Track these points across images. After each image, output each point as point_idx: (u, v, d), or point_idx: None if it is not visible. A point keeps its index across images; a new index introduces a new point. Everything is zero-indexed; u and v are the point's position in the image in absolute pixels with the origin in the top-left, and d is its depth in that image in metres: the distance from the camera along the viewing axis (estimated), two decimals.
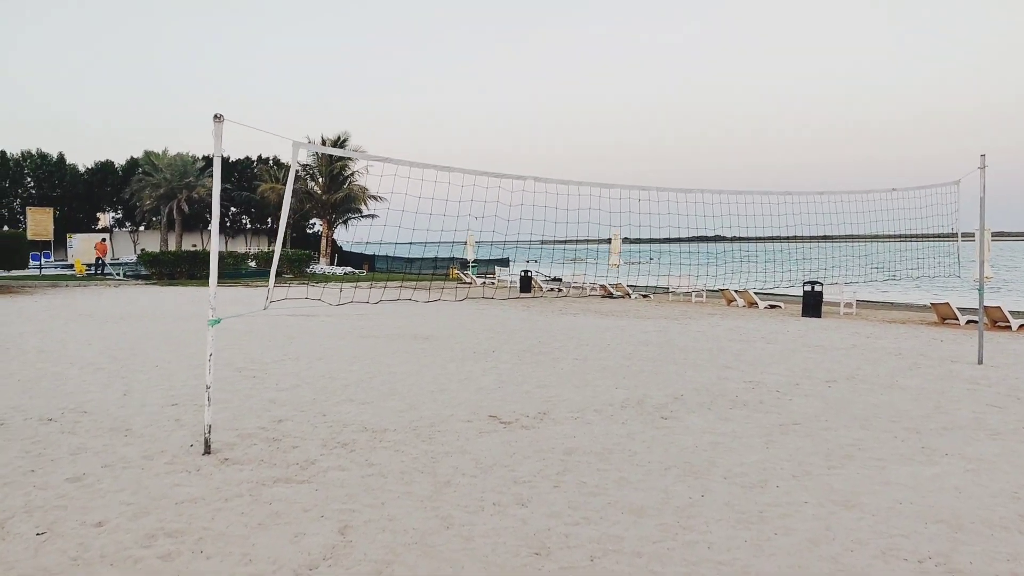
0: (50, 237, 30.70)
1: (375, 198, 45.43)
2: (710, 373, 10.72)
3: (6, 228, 41.15)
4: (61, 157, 51.40)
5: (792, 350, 13.40)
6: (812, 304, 20.13)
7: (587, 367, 11.06)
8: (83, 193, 51.29)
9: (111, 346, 12.16)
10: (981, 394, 9.39)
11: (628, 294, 27.44)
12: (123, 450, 6.01)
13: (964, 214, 12.40)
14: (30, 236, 30.63)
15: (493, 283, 35.68)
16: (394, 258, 48.04)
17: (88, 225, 51.83)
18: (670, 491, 5.44)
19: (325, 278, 35.29)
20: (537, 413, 7.85)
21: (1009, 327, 17.40)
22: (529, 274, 31.19)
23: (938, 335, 15.99)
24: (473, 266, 41.15)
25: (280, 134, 6.03)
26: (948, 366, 11.65)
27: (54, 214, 39.31)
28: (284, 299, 7.25)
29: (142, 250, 38.06)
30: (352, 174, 46.92)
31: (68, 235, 43.38)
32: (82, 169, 51.89)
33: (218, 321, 5.99)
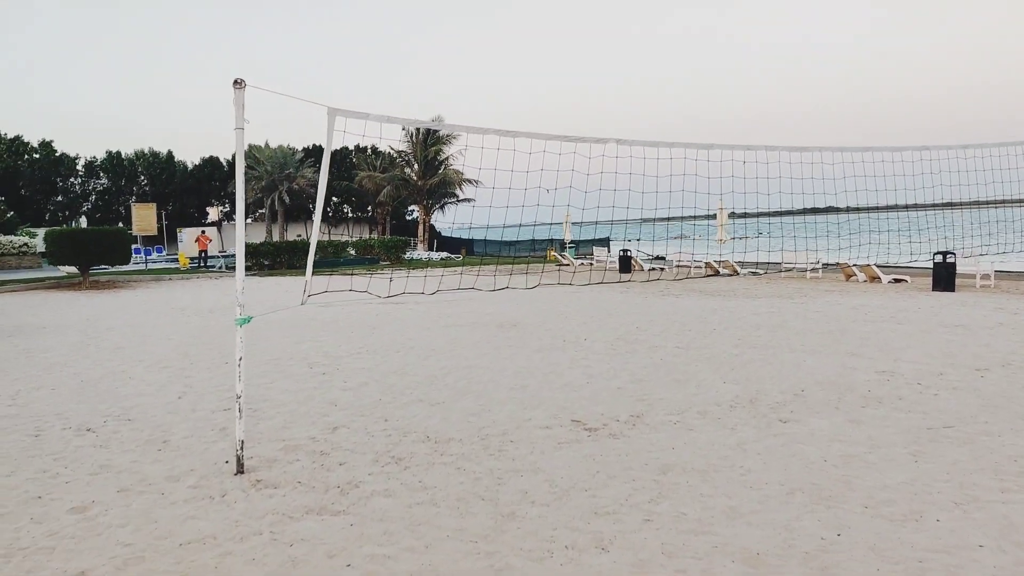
0: (154, 231, 31.65)
1: (470, 182, 44.95)
2: (834, 361, 9.26)
3: (120, 224, 43.07)
4: (170, 155, 53.53)
5: (927, 331, 11.65)
6: (944, 277, 17.94)
7: (689, 357, 9.80)
8: (192, 188, 53.23)
9: (189, 341, 11.82)
10: None
11: (736, 271, 25.62)
12: (149, 468, 5.31)
13: None
14: (135, 231, 31.68)
15: (591, 264, 34.44)
16: (492, 242, 47.48)
17: (198, 219, 53.83)
18: (795, 528, 4.23)
19: (421, 264, 34.99)
20: (629, 416, 6.72)
21: None
22: (628, 253, 29.75)
23: None
24: (571, 247, 40.05)
25: (313, 100, 5.15)
26: None
27: (160, 209, 40.76)
28: (324, 291, 6.42)
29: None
30: (447, 158, 46.52)
31: (178, 229, 45.04)
32: (190, 166, 53.86)
33: (247, 320, 5.17)
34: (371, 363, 9.70)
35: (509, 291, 16.85)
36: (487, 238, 48.53)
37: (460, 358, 10.00)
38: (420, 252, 43.91)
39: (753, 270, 25.64)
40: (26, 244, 32.24)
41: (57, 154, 49.91)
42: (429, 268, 29.66)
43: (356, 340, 11.77)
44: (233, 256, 36.94)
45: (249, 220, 56.24)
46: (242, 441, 5.15)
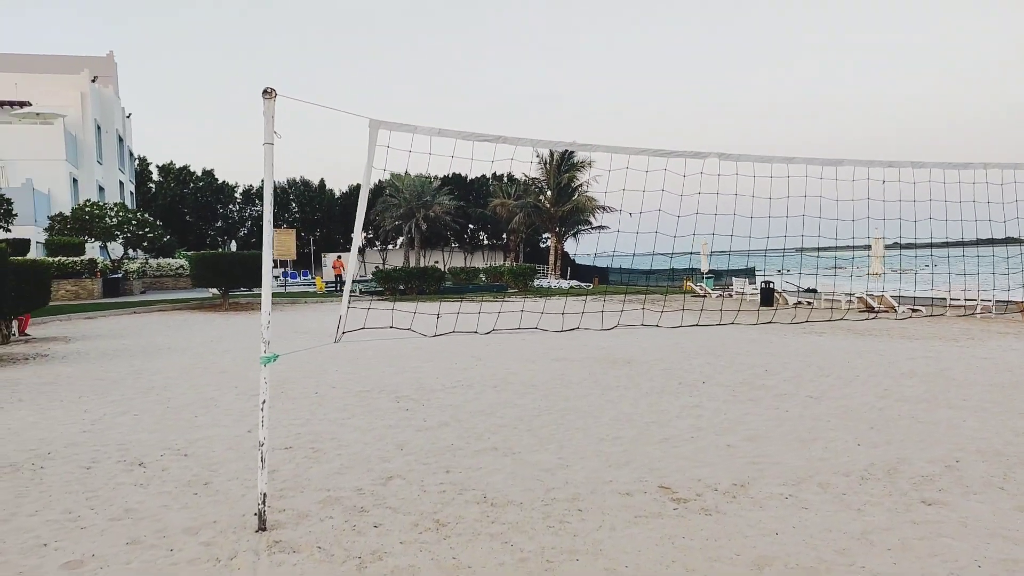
0: (293, 256, 32.98)
1: (604, 209, 44.15)
2: (1002, 424, 7.65)
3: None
4: (322, 183, 56.27)
5: None
6: None
7: (821, 409, 8.46)
8: (338, 216, 55.61)
9: (293, 367, 11.68)
10: None
11: (894, 308, 23.19)
12: (173, 516, 4.84)
13: None
14: (276, 256, 33.07)
15: (730, 295, 32.54)
16: (628, 271, 46.31)
17: (344, 245, 56.10)
18: None
19: (548, 292, 34.44)
20: (731, 485, 5.63)
21: None
22: (771, 285, 27.76)
23: None
24: (709, 277, 38.27)
25: (352, 111, 4.57)
26: None
27: (309, 235, 42.74)
28: (361, 328, 5.80)
29: (376, 267, 39.98)
30: (580, 185, 45.99)
31: (323, 255, 47.07)
32: (338, 194, 56.34)
33: (273, 359, 4.62)
34: (462, 399, 9.06)
35: (627, 322, 15.80)
36: (622, 267, 47.37)
37: (558, 398, 9.17)
38: (550, 280, 43.39)
39: (913, 307, 23.11)
40: (182, 266, 34.52)
41: (219, 182, 53.71)
42: (555, 297, 29.00)
43: (456, 371, 11.21)
44: (368, 280, 37.91)
45: (391, 247, 58.07)
46: (264, 495, 4.58)
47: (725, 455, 6.53)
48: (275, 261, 38.30)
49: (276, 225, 53.60)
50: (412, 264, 48.08)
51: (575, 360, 12.46)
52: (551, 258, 47.17)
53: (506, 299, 28.75)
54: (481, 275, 40.16)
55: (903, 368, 11.47)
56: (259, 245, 52.65)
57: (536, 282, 39.42)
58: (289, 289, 34.61)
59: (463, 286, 36.41)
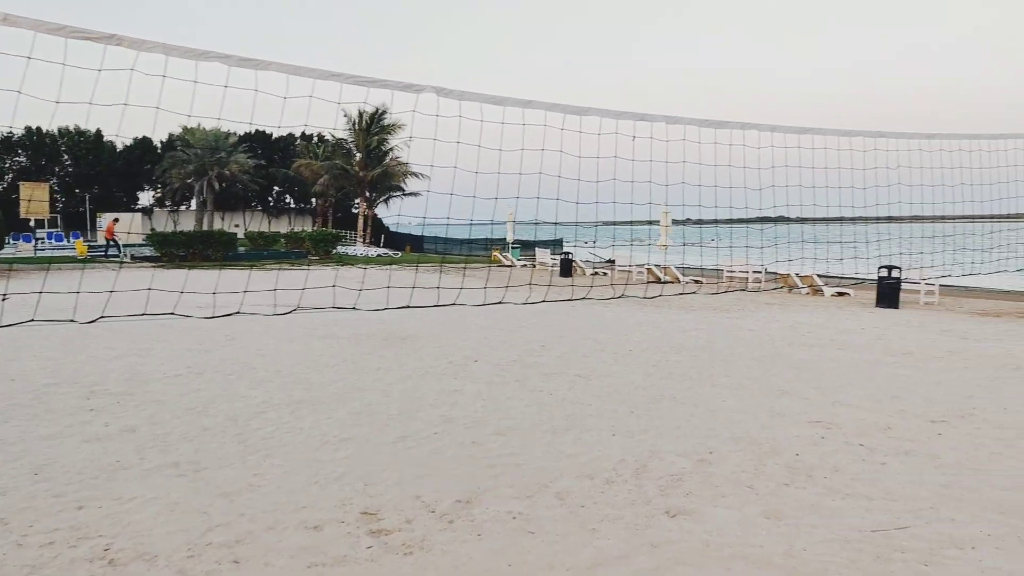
0: (46, 214, 28.80)
1: (416, 175, 42.75)
2: (759, 404, 7.33)
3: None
4: (99, 134, 50.18)
5: (873, 361, 9.81)
6: (888, 293, 16.41)
7: (586, 390, 7.83)
8: (122, 171, 50.01)
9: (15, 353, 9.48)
10: None
11: (678, 279, 23.94)
12: None
13: None
14: (24, 214, 28.76)
15: (534, 266, 32.49)
16: (444, 239, 45.30)
17: (128, 205, 50.69)
18: None
19: (354, 260, 32.73)
20: (455, 502, 4.66)
21: None
22: (570, 257, 27.92)
23: None
24: (515, 248, 38.16)
25: None
26: None
27: (84, 192, 37.75)
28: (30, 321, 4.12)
29: (151, 230, 36.14)
30: (391, 149, 44.17)
31: (98, 215, 42.02)
32: (120, 147, 50.62)
33: None
34: (177, 392, 7.54)
35: (418, 297, 14.69)
36: (437, 235, 46.28)
37: (298, 387, 7.89)
38: (359, 248, 41.49)
39: (695, 278, 23.97)
40: None
41: None
42: (359, 265, 27.45)
43: (194, 354, 9.63)
44: (142, 245, 33.97)
45: (182, 208, 53.21)
46: None
47: (465, 456, 5.60)
48: (33, 220, 33.50)
49: (33, 178, 47.31)
50: (206, 228, 44.17)
51: (345, 338, 11.20)
52: (359, 224, 45.15)
53: (306, 267, 26.80)
54: (281, 240, 37.59)
55: (675, 342, 11.26)
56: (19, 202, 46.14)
57: (341, 249, 37.47)
58: (45, 253, 30.24)
59: (259, 252, 33.79)
